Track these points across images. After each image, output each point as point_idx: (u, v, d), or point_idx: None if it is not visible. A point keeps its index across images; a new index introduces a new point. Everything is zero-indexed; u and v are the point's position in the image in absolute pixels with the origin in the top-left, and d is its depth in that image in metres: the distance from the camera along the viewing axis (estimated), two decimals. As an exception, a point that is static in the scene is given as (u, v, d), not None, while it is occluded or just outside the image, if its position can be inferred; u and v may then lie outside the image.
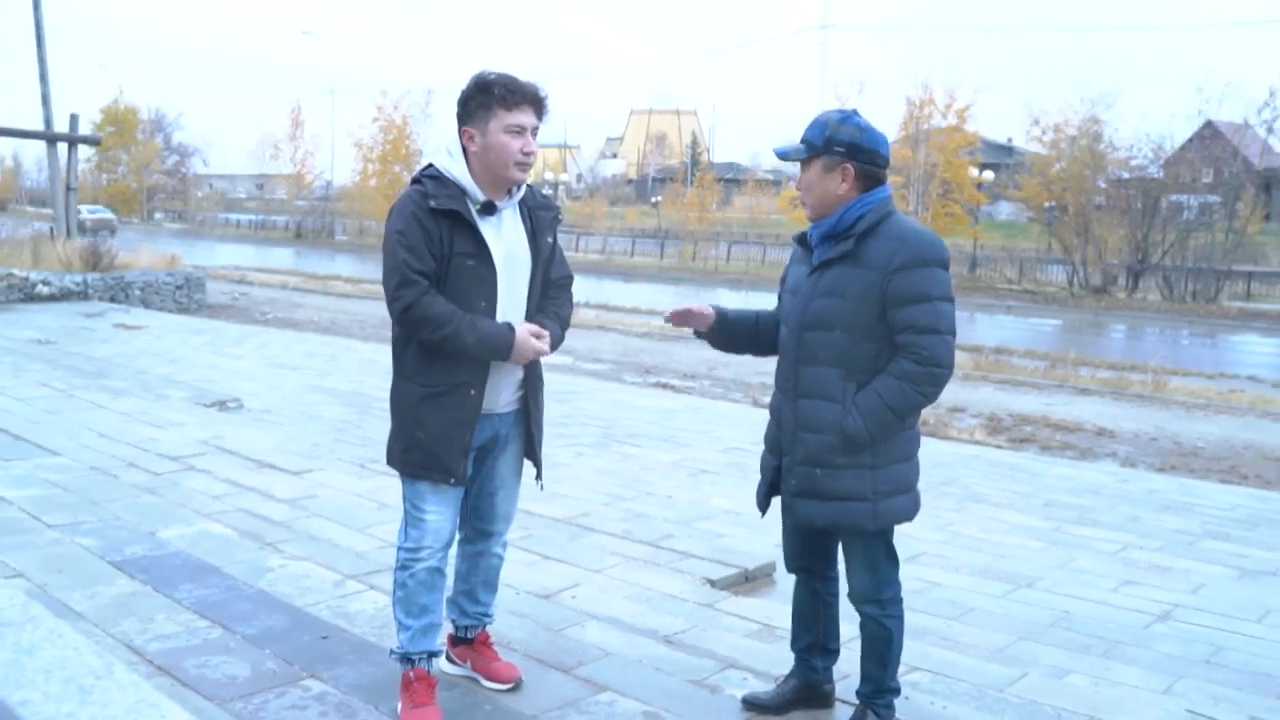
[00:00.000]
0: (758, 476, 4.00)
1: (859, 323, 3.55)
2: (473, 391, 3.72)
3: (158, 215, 79.41)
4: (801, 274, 3.77)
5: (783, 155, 3.77)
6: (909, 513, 3.75)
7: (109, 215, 56.24)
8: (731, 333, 4.05)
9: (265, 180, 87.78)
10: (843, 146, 3.60)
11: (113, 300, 19.57)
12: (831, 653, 4.09)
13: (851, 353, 3.58)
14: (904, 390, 3.52)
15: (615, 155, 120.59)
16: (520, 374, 3.90)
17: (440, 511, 3.82)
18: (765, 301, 4.11)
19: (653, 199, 78.66)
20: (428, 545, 3.82)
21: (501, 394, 3.84)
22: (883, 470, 3.63)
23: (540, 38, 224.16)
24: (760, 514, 4.00)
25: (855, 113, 3.71)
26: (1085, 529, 7.00)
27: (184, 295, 21.42)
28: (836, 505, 3.64)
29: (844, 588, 3.92)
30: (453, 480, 3.76)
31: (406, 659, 3.89)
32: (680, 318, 3.99)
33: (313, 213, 68.97)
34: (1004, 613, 5.32)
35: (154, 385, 10.72)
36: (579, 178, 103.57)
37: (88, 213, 47.44)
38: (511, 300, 3.77)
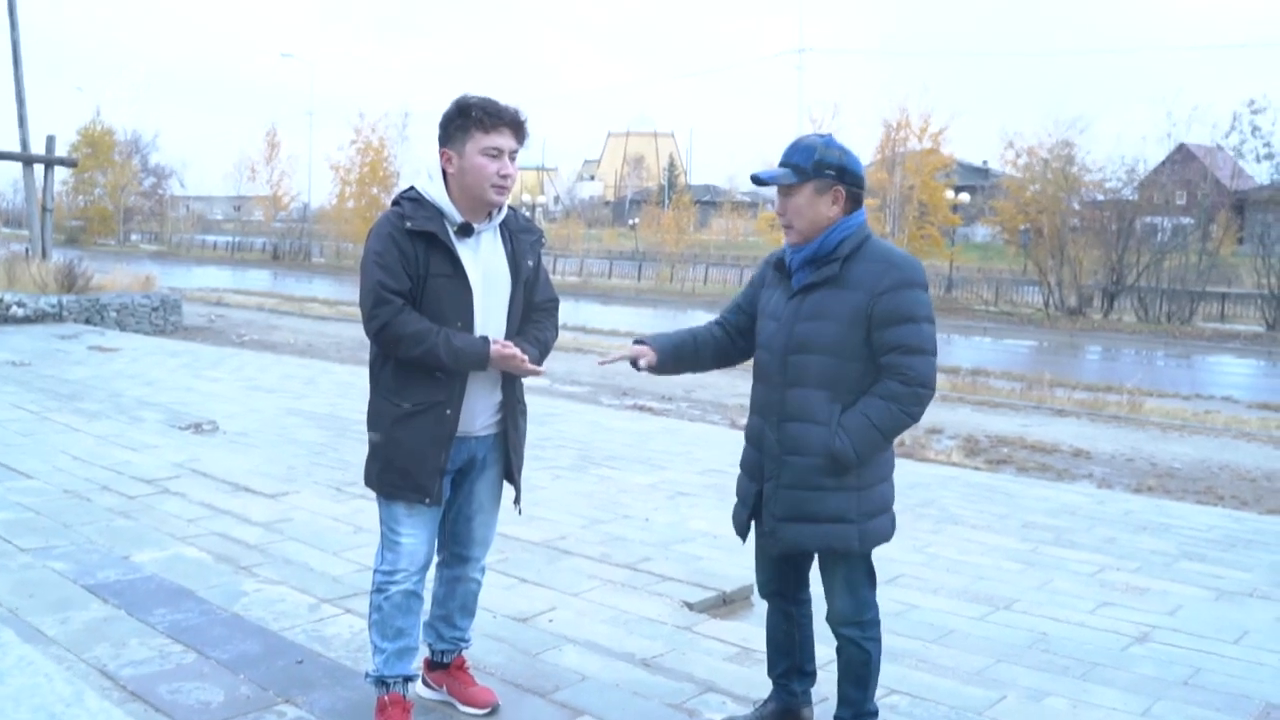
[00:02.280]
0: (736, 499, 3.99)
1: (846, 345, 3.58)
2: (449, 411, 3.73)
3: (134, 237, 78.99)
4: (779, 299, 3.78)
5: (769, 180, 3.72)
6: (889, 533, 3.78)
7: None
8: (674, 360, 4.11)
9: (242, 202, 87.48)
10: (833, 169, 3.64)
11: (88, 322, 19.45)
12: (809, 675, 4.08)
13: (839, 374, 3.60)
14: (891, 410, 3.56)
15: (593, 177, 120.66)
16: (499, 397, 3.90)
17: (415, 534, 3.82)
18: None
19: (630, 221, 78.69)
20: (403, 568, 3.82)
21: (478, 416, 3.84)
22: (867, 491, 3.67)
23: (518, 60, 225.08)
24: (741, 540, 4.00)
25: (833, 136, 3.77)
26: (1062, 550, 7.01)
27: (160, 317, 21.29)
28: (825, 528, 3.66)
29: (819, 610, 3.92)
30: (428, 500, 3.76)
31: (381, 682, 3.87)
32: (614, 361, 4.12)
33: (290, 234, 68.71)
34: (982, 634, 5.33)
35: (129, 408, 10.65)
36: (556, 199, 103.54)
37: None
38: (490, 321, 3.78)
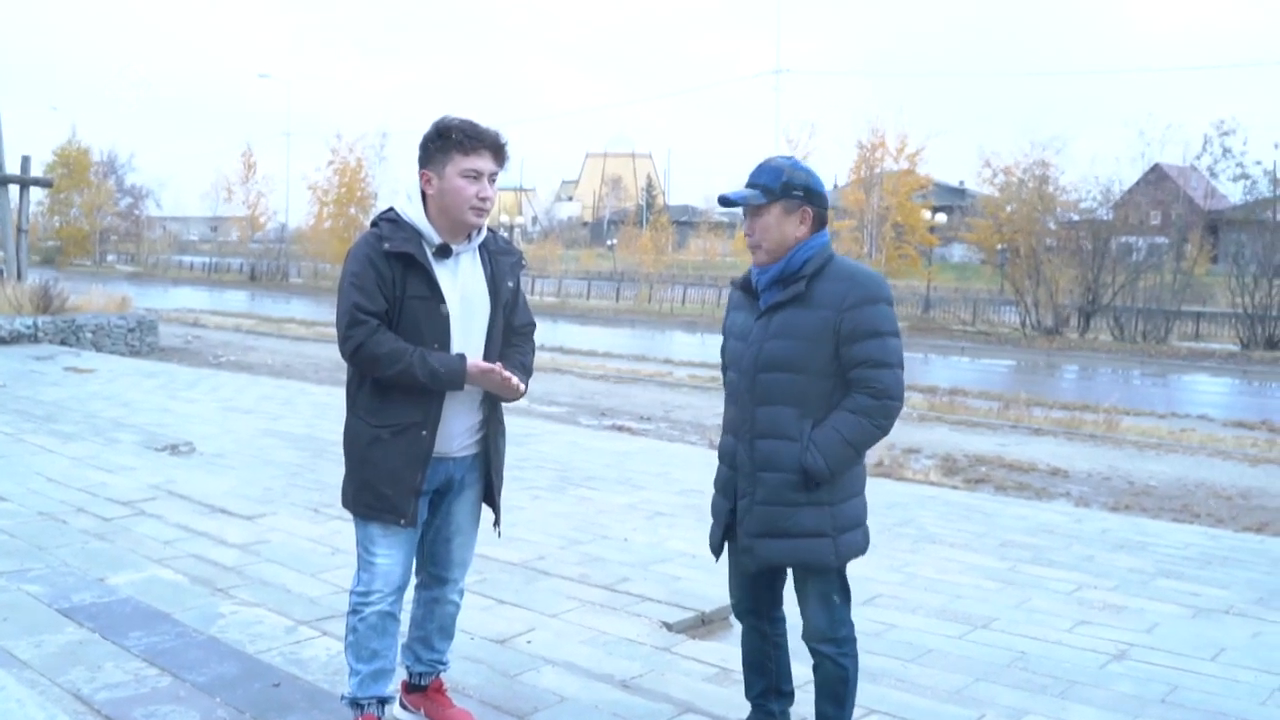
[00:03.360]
0: (712, 518, 4.00)
1: (813, 362, 3.62)
2: (424, 432, 3.73)
3: (110, 258, 78.62)
4: (747, 319, 3.82)
5: (738, 201, 3.76)
6: (863, 547, 3.82)
7: None
8: None
9: (219, 223, 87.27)
10: (801, 190, 3.70)
11: (63, 343, 19.35)
12: (786, 695, 4.08)
13: (807, 391, 3.64)
14: (861, 424, 3.61)
15: (571, 198, 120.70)
16: (478, 417, 3.90)
17: (390, 554, 3.81)
18: (719, 342, 4.12)
19: (608, 242, 78.83)
20: (378, 589, 3.81)
21: (455, 437, 3.84)
22: (840, 506, 3.70)
23: (497, 81, 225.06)
24: (715, 558, 4.01)
25: (797, 159, 3.84)
26: (1040, 569, 7.03)
27: (136, 338, 21.20)
28: (798, 543, 3.68)
29: (795, 629, 3.92)
30: (403, 521, 3.75)
31: (356, 704, 3.86)
32: None
33: (267, 255, 68.48)
34: (961, 654, 5.33)
35: (104, 429, 10.58)
36: (534, 220, 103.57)
37: None
38: (467, 343, 3.78)
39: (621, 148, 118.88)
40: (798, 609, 3.85)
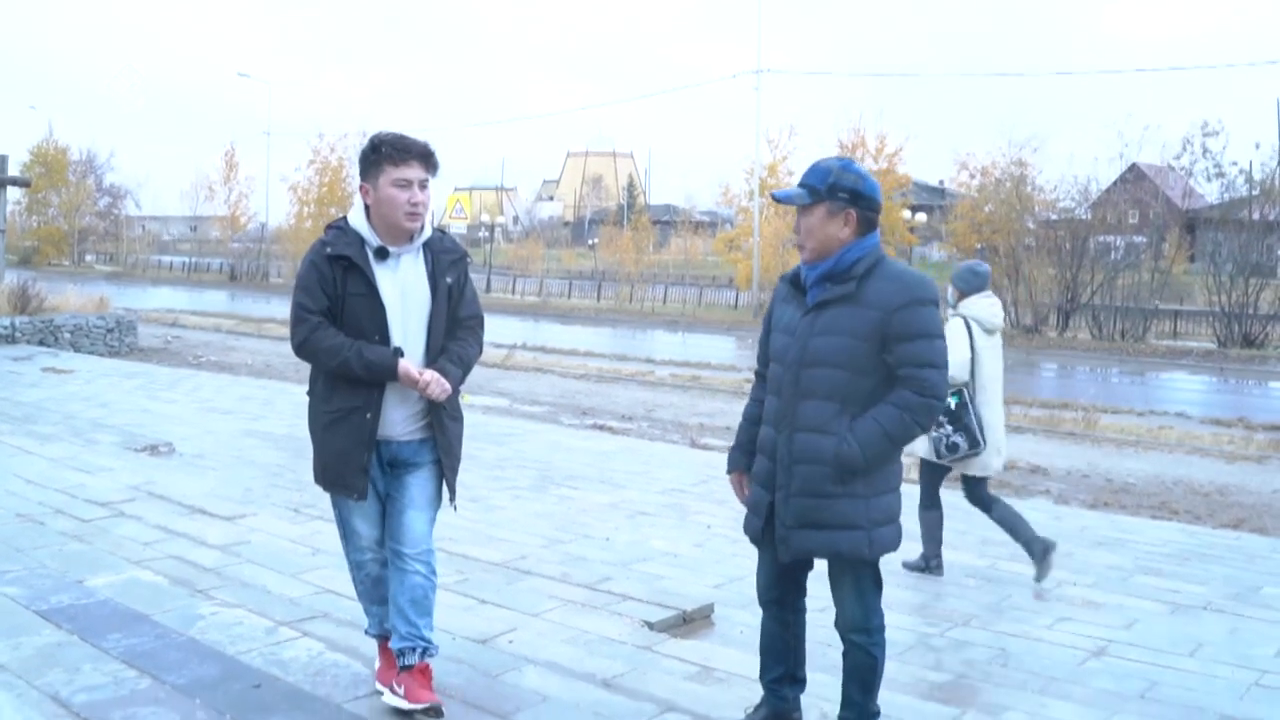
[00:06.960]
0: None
1: (859, 359, 3.72)
2: (368, 415, 4.10)
3: (89, 257, 78.08)
4: (793, 314, 3.90)
5: (785, 199, 3.90)
6: (896, 542, 3.92)
7: None
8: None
9: (199, 222, 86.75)
10: (846, 193, 3.79)
11: (41, 344, 19.24)
12: (800, 681, 4.20)
13: (851, 387, 3.73)
14: (903, 419, 3.70)
15: (552, 198, 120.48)
16: (421, 405, 4.19)
17: (358, 519, 4.29)
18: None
19: (589, 241, 78.65)
20: (356, 546, 4.35)
21: (397, 423, 4.17)
22: (875, 500, 3.81)
23: (478, 83, 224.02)
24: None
25: (852, 161, 3.93)
26: (1020, 566, 7.05)
27: (115, 338, 21.11)
28: (834, 534, 3.77)
29: (813, 616, 4.00)
30: (355, 497, 4.16)
31: (381, 637, 4.42)
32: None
33: (247, 255, 68.05)
34: (941, 651, 5.35)
35: (83, 430, 10.53)
36: (515, 220, 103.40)
37: None
38: (407, 334, 4.13)
39: (602, 147, 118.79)
40: (830, 597, 3.94)
